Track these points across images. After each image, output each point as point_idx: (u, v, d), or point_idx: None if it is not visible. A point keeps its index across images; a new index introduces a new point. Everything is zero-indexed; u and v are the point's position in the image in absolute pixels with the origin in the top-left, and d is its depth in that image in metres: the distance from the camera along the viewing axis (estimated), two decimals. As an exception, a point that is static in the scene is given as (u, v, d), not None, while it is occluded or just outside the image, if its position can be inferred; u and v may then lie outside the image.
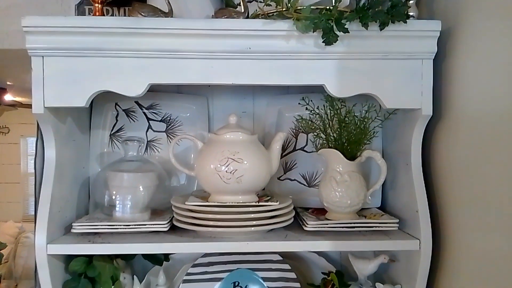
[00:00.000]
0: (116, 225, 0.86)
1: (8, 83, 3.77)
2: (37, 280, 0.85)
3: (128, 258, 1.00)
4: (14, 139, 5.26)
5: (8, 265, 4.25)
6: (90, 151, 1.04)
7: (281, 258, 1.01)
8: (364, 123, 0.92)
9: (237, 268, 1.00)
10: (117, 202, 0.91)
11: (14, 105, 4.02)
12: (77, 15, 0.99)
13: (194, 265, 0.99)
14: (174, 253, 1.04)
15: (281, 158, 1.04)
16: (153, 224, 0.87)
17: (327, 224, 0.88)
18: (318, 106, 0.94)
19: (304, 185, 1.07)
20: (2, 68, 2.88)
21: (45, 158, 0.84)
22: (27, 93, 4.13)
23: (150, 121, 1.06)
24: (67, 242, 0.84)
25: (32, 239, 4.40)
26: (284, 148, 1.06)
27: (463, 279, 0.79)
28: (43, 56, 0.79)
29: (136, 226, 0.87)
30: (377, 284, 0.93)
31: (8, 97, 3.98)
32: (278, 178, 1.07)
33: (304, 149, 1.07)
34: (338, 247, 0.85)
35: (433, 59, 0.82)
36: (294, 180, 1.07)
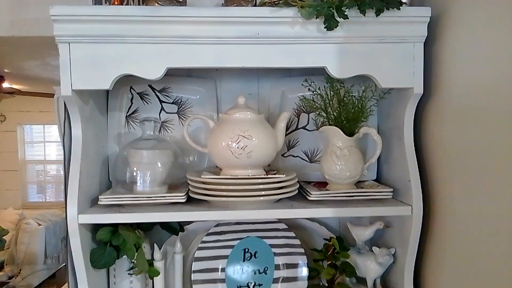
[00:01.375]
0: (139, 197, 0.95)
1: (5, 70, 3.79)
2: (68, 249, 0.93)
3: (147, 229, 1.09)
4: (11, 126, 5.29)
5: (10, 251, 4.34)
6: (108, 131, 1.12)
7: (286, 227, 1.11)
8: (362, 102, 1.01)
9: (247, 236, 1.10)
10: (138, 177, 1.00)
11: (12, 92, 4.04)
12: (94, 4, 1.06)
13: (208, 234, 1.09)
14: (189, 225, 1.13)
15: (285, 136, 1.13)
16: (172, 196, 0.96)
17: (328, 194, 0.98)
18: (319, 87, 1.03)
19: (306, 161, 1.16)
20: (-1, 56, 2.91)
21: (72, 136, 0.92)
22: (24, 81, 4.15)
23: (162, 103, 1.14)
24: (95, 213, 0.93)
25: (32, 225, 4.49)
26: (287, 127, 1.15)
27: (451, 241, 0.90)
28: (69, 43, 0.87)
29: (156, 198, 0.96)
30: (373, 248, 1.04)
31: (5, 85, 4.00)
32: (282, 155, 1.16)
33: (306, 128, 1.16)
34: (338, 214, 0.95)
35: (424, 43, 0.91)
36: (297, 156, 1.16)
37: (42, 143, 5.53)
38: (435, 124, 0.96)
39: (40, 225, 4.44)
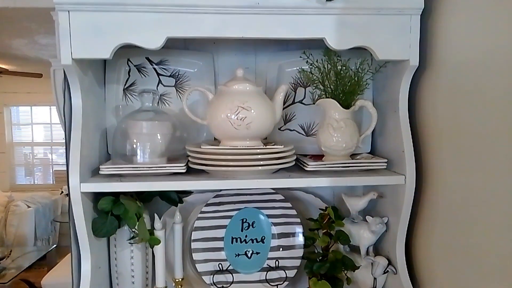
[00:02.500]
0: (139, 167, 0.97)
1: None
2: (71, 218, 0.95)
3: (146, 200, 1.11)
4: (-3, 107, 5.21)
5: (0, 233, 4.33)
6: (106, 104, 1.12)
7: (283, 198, 1.14)
8: (358, 75, 1.03)
9: (245, 207, 1.13)
10: (137, 149, 1.01)
11: (0, 72, 3.96)
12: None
13: (207, 205, 1.11)
14: (187, 196, 1.15)
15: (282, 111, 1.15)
16: (172, 166, 0.98)
17: (325, 164, 1.01)
18: (317, 60, 1.04)
19: (303, 134, 1.19)
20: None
21: (72, 106, 0.92)
22: (12, 61, 4.07)
23: (160, 76, 1.15)
24: (96, 182, 0.94)
25: (21, 208, 4.47)
26: (284, 102, 1.17)
27: (442, 210, 0.94)
28: (69, 11, 0.86)
29: (157, 168, 0.97)
30: (367, 217, 1.07)
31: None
32: (279, 129, 1.18)
33: (302, 102, 1.18)
34: (334, 183, 0.98)
35: (420, 15, 0.92)
36: (294, 130, 1.19)
37: (30, 125, 5.45)
38: (429, 97, 0.98)
39: (29, 207, 4.42)
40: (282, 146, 0.99)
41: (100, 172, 0.96)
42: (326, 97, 1.05)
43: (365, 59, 1.03)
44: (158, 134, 1.02)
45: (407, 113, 1.00)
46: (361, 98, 1.06)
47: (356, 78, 1.04)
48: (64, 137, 0.95)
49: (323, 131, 1.04)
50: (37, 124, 5.44)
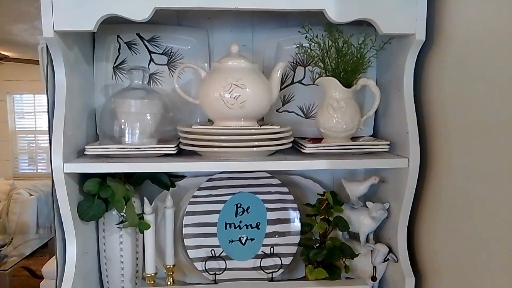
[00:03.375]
0: (127, 148, 0.92)
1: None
2: (54, 200, 0.90)
3: (136, 184, 1.06)
4: (0, 96, 5.17)
5: (1, 221, 4.33)
6: (95, 83, 1.07)
7: (280, 182, 1.08)
8: (361, 51, 0.97)
9: (239, 192, 1.08)
10: (126, 129, 0.96)
11: (1, 58, 3.92)
12: None
13: (200, 189, 1.07)
14: (180, 180, 1.11)
15: (279, 91, 1.09)
16: (162, 147, 0.93)
17: (323, 146, 0.95)
18: (316, 35, 0.98)
19: (301, 116, 1.13)
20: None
21: (56, 81, 0.87)
22: (12, 47, 4.02)
23: (152, 54, 1.09)
24: (81, 162, 0.89)
25: (23, 195, 4.46)
26: (282, 82, 1.11)
27: (447, 196, 0.88)
28: (50, -20, 0.81)
29: (146, 149, 0.92)
30: (367, 202, 1.02)
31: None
32: (277, 110, 1.12)
33: (302, 82, 1.12)
34: (333, 166, 0.93)
35: (428, -14, 0.86)
36: (292, 112, 1.13)
37: (33, 113, 5.43)
38: (436, 75, 0.92)
39: (31, 195, 4.41)
40: (278, 127, 0.94)
41: (86, 153, 0.91)
42: (326, 76, 0.99)
43: (368, 34, 0.97)
44: (148, 114, 0.96)
45: (412, 92, 0.94)
46: (363, 77, 1.00)
47: (358, 55, 0.98)
48: (47, 115, 0.90)
49: (323, 111, 0.98)
50: (40, 112, 5.41)
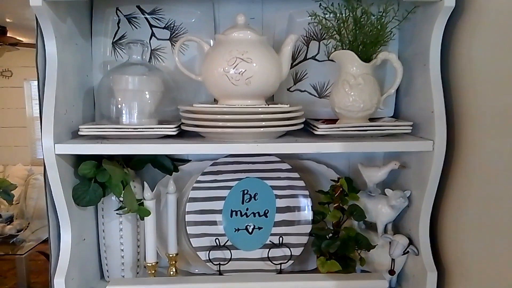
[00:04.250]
0: (124, 128, 0.85)
1: (7, 20, 3.64)
2: (46, 183, 0.85)
3: (137, 167, 1.00)
4: (18, 82, 5.20)
5: (19, 206, 4.38)
6: (93, 60, 1.00)
7: (290, 167, 1.00)
8: (382, 20, 0.86)
9: (246, 177, 1.00)
10: (123, 108, 0.89)
11: (15, 44, 3.90)
12: None
13: (204, 173, 0.99)
14: (183, 164, 1.04)
15: (291, 68, 1.00)
16: (161, 128, 0.86)
17: (338, 127, 0.86)
18: (332, 3, 0.88)
19: (315, 96, 1.04)
20: (-1, 4, 2.77)
21: (46, 55, 0.80)
22: (28, 32, 4.00)
23: (153, 28, 1.01)
24: (74, 143, 0.83)
25: (41, 181, 4.50)
26: (294, 58, 1.02)
27: (476, 182, 0.78)
28: None
29: (144, 129, 0.85)
30: (386, 190, 0.93)
31: (8, 37, 3.86)
32: (288, 89, 1.04)
33: (316, 58, 1.03)
34: (349, 148, 0.84)
35: None
36: (305, 91, 1.04)
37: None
38: (465, 47, 0.82)
39: (48, 180, 4.45)
40: (288, 105, 0.85)
41: (80, 133, 0.85)
42: (343, 49, 0.90)
43: (390, 3, 0.86)
44: (146, 92, 0.89)
45: (439, 66, 0.84)
46: (384, 50, 0.90)
47: (378, 26, 0.88)
48: (37, 91, 0.83)
49: (338, 89, 0.89)
50: (56, 98, 5.42)
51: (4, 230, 3.26)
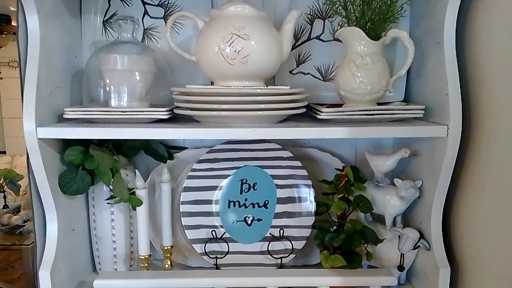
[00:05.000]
0: (112, 111, 0.79)
1: (11, 9, 3.60)
2: (30, 170, 0.79)
3: (128, 155, 0.94)
4: (18, 73, 5.18)
5: (27, 197, 4.38)
6: (83, 39, 0.94)
7: (291, 155, 0.94)
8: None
9: (245, 165, 0.94)
10: (111, 89, 0.83)
11: (14, 33, 3.87)
12: None
13: (199, 161, 0.93)
14: (179, 152, 0.98)
15: (293, 49, 0.94)
16: (151, 111, 0.79)
17: (343, 111, 0.79)
18: (337, -25, 0.81)
19: (319, 79, 0.97)
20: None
21: (28, 31, 0.75)
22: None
23: (146, 6, 0.95)
24: (58, 127, 0.77)
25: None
26: (297, 37, 0.95)
27: (494, 171, 0.71)
28: None
29: (133, 113, 0.79)
30: (395, 179, 0.86)
31: (13, 26, 3.83)
32: (290, 72, 0.97)
33: (320, 37, 0.95)
34: (355, 134, 0.77)
35: None
36: (308, 73, 0.97)
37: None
38: (483, 23, 0.74)
39: (54, 170, 4.45)
40: (288, 87, 0.78)
41: (65, 116, 0.79)
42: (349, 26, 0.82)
43: (401, -26, 0.79)
44: (137, 72, 0.83)
45: (454, 44, 0.76)
46: (394, 28, 0.82)
47: (388, 2, 0.80)
48: (19, 71, 0.78)
49: (344, 69, 0.82)
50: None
51: (10, 220, 3.24)
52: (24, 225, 3.53)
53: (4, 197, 3.56)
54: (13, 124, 5.18)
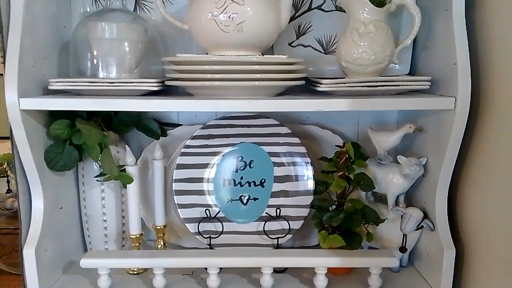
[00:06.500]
0: (99, 82, 0.74)
1: None
2: (13, 144, 0.75)
3: (119, 130, 0.90)
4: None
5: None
6: (72, 9, 0.90)
7: (290, 131, 0.89)
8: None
9: (241, 142, 0.90)
10: (99, 60, 0.78)
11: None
12: None
13: (193, 137, 0.89)
14: (172, 129, 0.94)
15: (293, 20, 0.89)
16: (141, 82, 0.75)
17: (344, 83, 0.74)
18: None
19: (320, 51, 0.92)
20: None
21: (11, -3, 0.70)
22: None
23: (137, -27, 0.90)
24: (43, 98, 0.73)
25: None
26: (297, 8, 0.90)
27: (505, 148, 0.66)
28: None
29: (121, 84, 0.74)
30: (398, 156, 0.82)
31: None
32: (290, 44, 0.92)
33: (322, 7, 0.90)
34: (356, 106, 0.72)
35: None
36: (308, 46, 0.92)
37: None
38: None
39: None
40: (286, 56, 0.74)
41: (50, 87, 0.75)
42: (351, -6, 0.77)
43: None
44: (126, 42, 0.78)
45: (464, 10, 0.71)
46: (399, -4, 0.77)
47: (393, -36, 0.75)
48: (1, 40, 0.73)
49: (346, 39, 0.77)
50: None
51: (14, 204, 3.24)
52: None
53: (8, 181, 3.55)
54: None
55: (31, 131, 0.74)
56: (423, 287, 0.81)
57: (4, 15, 0.72)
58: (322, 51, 0.92)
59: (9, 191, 3.64)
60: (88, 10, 0.90)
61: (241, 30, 0.72)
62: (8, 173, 3.57)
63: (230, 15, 0.71)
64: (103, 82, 0.74)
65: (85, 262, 0.76)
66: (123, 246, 0.94)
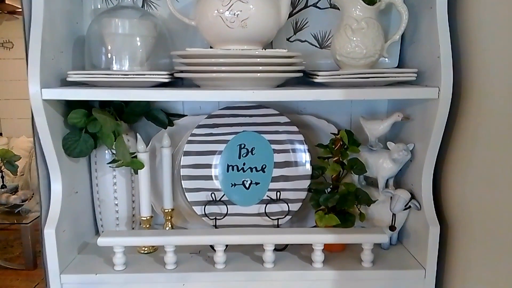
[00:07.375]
0: (114, 74, 0.81)
1: (4, -12, 3.55)
2: (35, 131, 0.82)
3: (130, 120, 0.97)
4: (19, 54, 5.12)
5: (24, 177, 4.39)
6: (83, 6, 0.96)
7: (288, 120, 0.97)
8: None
9: (243, 131, 0.97)
10: (113, 53, 0.85)
11: (13, 12, 3.82)
12: None
13: (199, 126, 0.96)
14: (178, 119, 1.00)
15: (291, 16, 0.96)
16: (153, 74, 0.82)
17: (339, 74, 0.82)
18: None
19: (316, 46, 0.99)
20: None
21: (32, -5, 0.76)
22: None
23: (146, -27, 0.96)
24: (63, 88, 0.79)
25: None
26: (294, 5, 0.97)
27: (484, 133, 0.74)
28: None
29: (135, 76, 0.81)
30: (388, 143, 0.89)
31: (7, 5, 3.78)
32: (287, 39, 0.99)
33: (317, 5, 0.97)
34: (349, 96, 0.79)
35: None
36: (305, 41, 0.99)
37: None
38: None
39: (51, 152, 4.44)
40: (286, 50, 0.81)
41: (68, 79, 0.81)
42: (345, -7, 0.84)
43: None
44: (137, 37, 0.85)
45: (446, 8, 0.78)
46: (388, -4, 0.84)
47: (383, -33, 0.82)
48: (23, 35, 0.79)
49: (340, 34, 0.84)
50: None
51: (9, 199, 3.27)
52: (22, 205, 3.56)
53: (2, 177, 3.57)
54: (9, 106, 5.16)
55: (51, 120, 0.80)
56: (411, 262, 0.89)
57: (26, 10, 0.78)
58: (318, 46, 0.99)
59: (3, 186, 3.65)
60: (99, 7, 0.96)
61: (245, 26, 0.79)
62: (2, 169, 3.59)
63: (235, 13, 0.78)
64: (118, 74, 0.81)
65: (102, 241, 0.82)
66: (133, 228, 1.00)
